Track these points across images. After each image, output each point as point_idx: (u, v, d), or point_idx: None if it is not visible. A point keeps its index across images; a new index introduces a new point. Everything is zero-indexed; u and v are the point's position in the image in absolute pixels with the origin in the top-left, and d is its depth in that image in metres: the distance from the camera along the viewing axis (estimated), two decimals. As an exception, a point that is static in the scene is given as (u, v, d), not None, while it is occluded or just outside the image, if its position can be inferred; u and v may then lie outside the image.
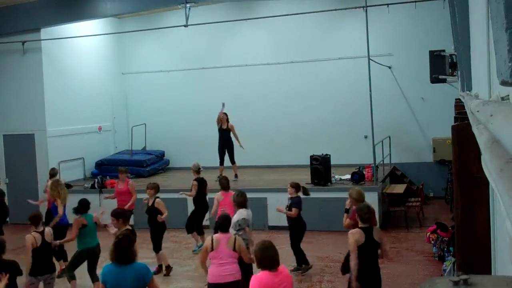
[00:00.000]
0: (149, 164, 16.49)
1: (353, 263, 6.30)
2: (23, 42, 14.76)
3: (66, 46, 15.44)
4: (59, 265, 9.76)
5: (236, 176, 14.13)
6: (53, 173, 12.12)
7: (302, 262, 9.43)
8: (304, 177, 13.28)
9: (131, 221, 10.77)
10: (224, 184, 9.79)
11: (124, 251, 5.20)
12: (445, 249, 9.56)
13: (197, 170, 11.13)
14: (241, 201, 7.98)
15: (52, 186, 10.24)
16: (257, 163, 16.39)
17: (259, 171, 15.69)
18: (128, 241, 5.31)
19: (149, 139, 17.65)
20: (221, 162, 14.03)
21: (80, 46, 16.10)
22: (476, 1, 4.20)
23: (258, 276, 4.96)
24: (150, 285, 5.36)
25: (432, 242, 10.18)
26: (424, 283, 1.47)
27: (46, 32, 14.95)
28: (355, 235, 6.35)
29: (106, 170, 15.81)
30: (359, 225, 6.53)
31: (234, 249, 6.52)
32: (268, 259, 4.93)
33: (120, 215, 7.53)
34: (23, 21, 14.57)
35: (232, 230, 7.19)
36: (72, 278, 8.55)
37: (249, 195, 12.74)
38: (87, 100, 16.20)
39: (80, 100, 15.91)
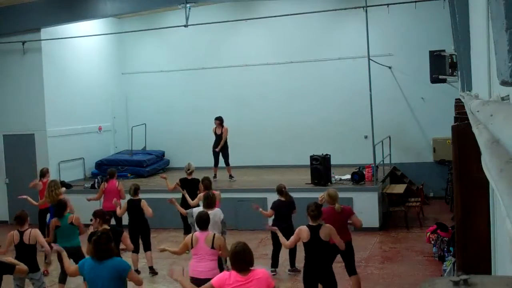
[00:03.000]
0: (149, 164, 16.48)
1: (282, 240, 7.04)
2: (23, 42, 14.74)
3: (66, 46, 15.43)
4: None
5: (230, 176, 14.23)
6: (42, 173, 12.15)
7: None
8: (304, 177, 13.28)
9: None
10: (207, 185, 9.86)
11: (102, 247, 5.42)
12: (445, 249, 9.56)
13: (186, 171, 11.21)
14: (206, 203, 8.07)
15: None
16: (257, 163, 16.38)
17: (259, 171, 15.68)
18: (106, 238, 5.52)
19: (149, 139, 17.64)
20: (215, 163, 14.24)
21: (80, 46, 16.09)
22: (476, 1, 4.20)
23: (226, 273, 5.07)
24: (129, 277, 5.62)
25: (432, 242, 10.18)
26: (424, 283, 1.47)
27: (46, 32, 14.95)
28: (299, 232, 6.67)
29: (106, 170, 15.77)
30: (310, 223, 6.67)
31: (212, 247, 6.64)
32: (236, 263, 4.94)
33: (97, 215, 7.77)
34: (23, 21, 14.56)
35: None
36: (60, 281, 8.60)
37: (249, 195, 12.93)
38: (87, 100, 16.19)
39: (80, 100, 15.90)
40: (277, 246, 9.34)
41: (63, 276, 8.51)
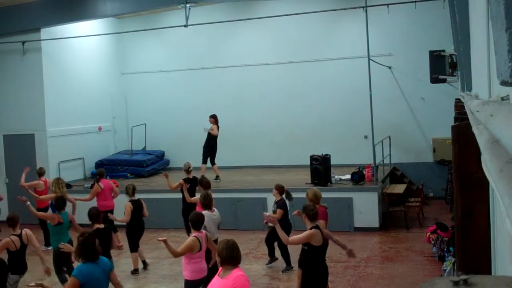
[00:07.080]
0: (149, 164, 16.48)
1: (283, 235, 6.65)
2: (23, 42, 14.75)
3: (66, 46, 15.43)
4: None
5: (217, 177, 14.26)
6: (41, 172, 12.23)
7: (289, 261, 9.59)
8: (304, 177, 13.28)
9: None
10: (207, 183, 9.86)
11: (93, 248, 5.44)
12: (445, 249, 9.56)
13: (186, 169, 11.23)
14: (205, 203, 8.02)
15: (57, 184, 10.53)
16: (257, 163, 16.38)
17: (259, 171, 15.68)
18: (93, 239, 5.56)
19: (149, 139, 17.64)
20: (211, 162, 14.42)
21: (80, 46, 16.10)
22: (476, 1, 4.20)
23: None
24: (111, 276, 5.66)
25: (432, 242, 10.18)
26: (424, 283, 1.46)
27: (46, 32, 14.95)
28: (311, 236, 6.44)
29: (106, 170, 15.76)
30: (311, 224, 6.56)
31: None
32: (231, 258, 4.83)
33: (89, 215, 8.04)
34: (23, 21, 14.56)
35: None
36: (63, 281, 8.61)
37: (248, 195, 12.93)
38: (87, 100, 16.19)
39: (80, 100, 15.90)
40: (272, 243, 9.57)
41: (63, 277, 8.61)
